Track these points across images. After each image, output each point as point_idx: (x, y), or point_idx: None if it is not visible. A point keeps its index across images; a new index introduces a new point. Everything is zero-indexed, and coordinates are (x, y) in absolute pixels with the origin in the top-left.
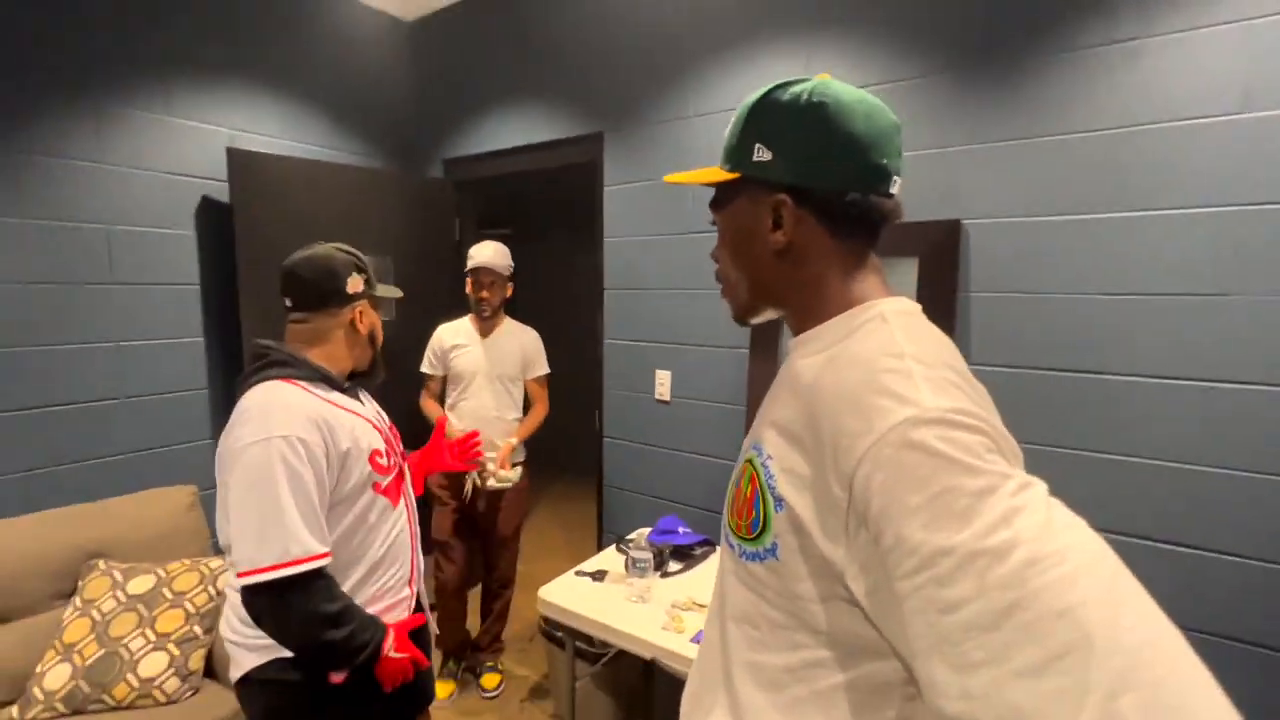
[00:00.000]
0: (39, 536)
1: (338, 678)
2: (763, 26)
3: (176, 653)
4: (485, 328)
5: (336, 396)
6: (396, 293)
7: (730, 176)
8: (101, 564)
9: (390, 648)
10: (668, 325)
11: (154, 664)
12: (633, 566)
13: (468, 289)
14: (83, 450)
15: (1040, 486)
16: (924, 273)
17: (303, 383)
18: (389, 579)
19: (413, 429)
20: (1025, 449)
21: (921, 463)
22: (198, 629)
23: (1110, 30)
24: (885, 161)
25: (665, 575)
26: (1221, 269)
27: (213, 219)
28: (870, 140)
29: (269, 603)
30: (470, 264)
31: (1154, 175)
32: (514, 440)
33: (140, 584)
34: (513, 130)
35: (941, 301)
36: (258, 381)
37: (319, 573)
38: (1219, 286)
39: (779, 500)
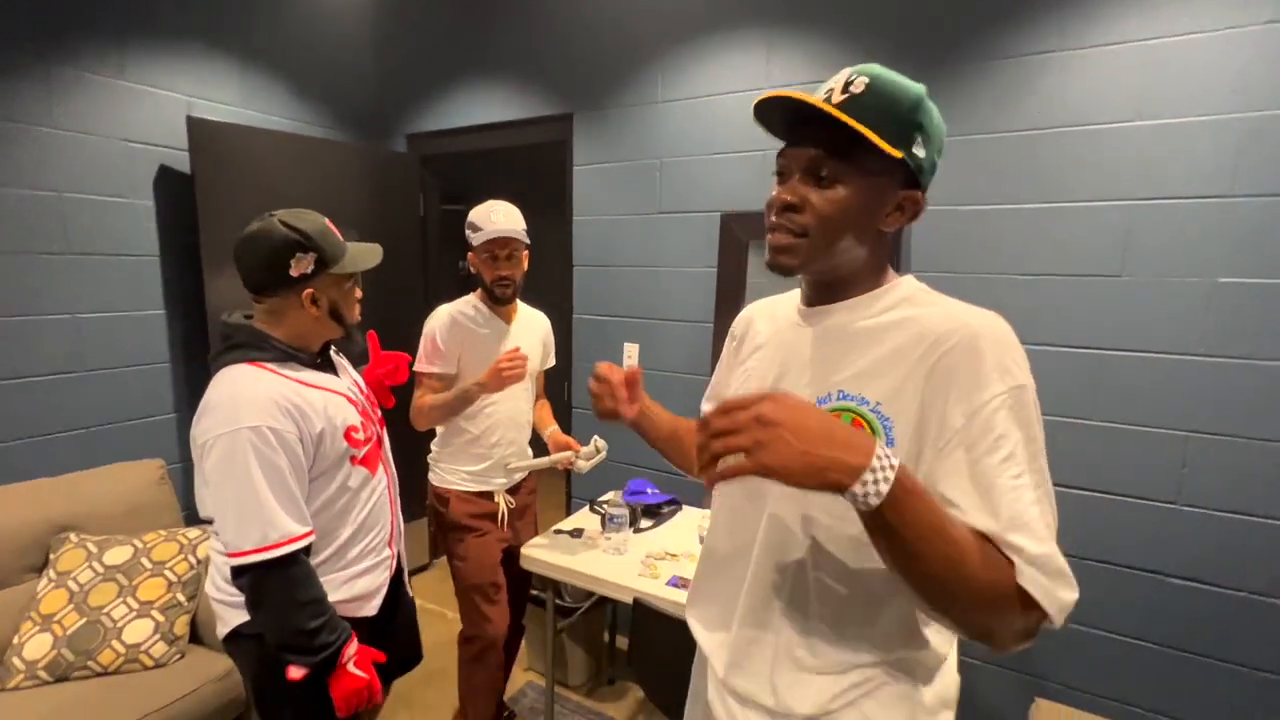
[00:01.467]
0: (3, 510)
1: (296, 674)
2: (725, 16)
3: (161, 619)
4: (507, 312)
5: (307, 374)
6: (367, 263)
7: (891, 151)
8: (73, 536)
9: (351, 659)
10: (636, 300)
11: (139, 630)
12: (610, 522)
13: (474, 267)
14: (42, 424)
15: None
16: None
17: (270, 364)
18: (371, 540)
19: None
20: None
21: (1026, 410)
22: (181, 596)
23: (1031, 42)
24: None
25: (638, 531)
26: (1116, 253)
27: (172, 189)
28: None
29: (250, 583)
30: (485, 234)
31: (1064, 172)
32: (562, 437)
33: (117, 555)
34: (481, 107)
35: None
36: (224, 364)
37: (297, 557)
38: (1114, 269)
39: (890, 438)
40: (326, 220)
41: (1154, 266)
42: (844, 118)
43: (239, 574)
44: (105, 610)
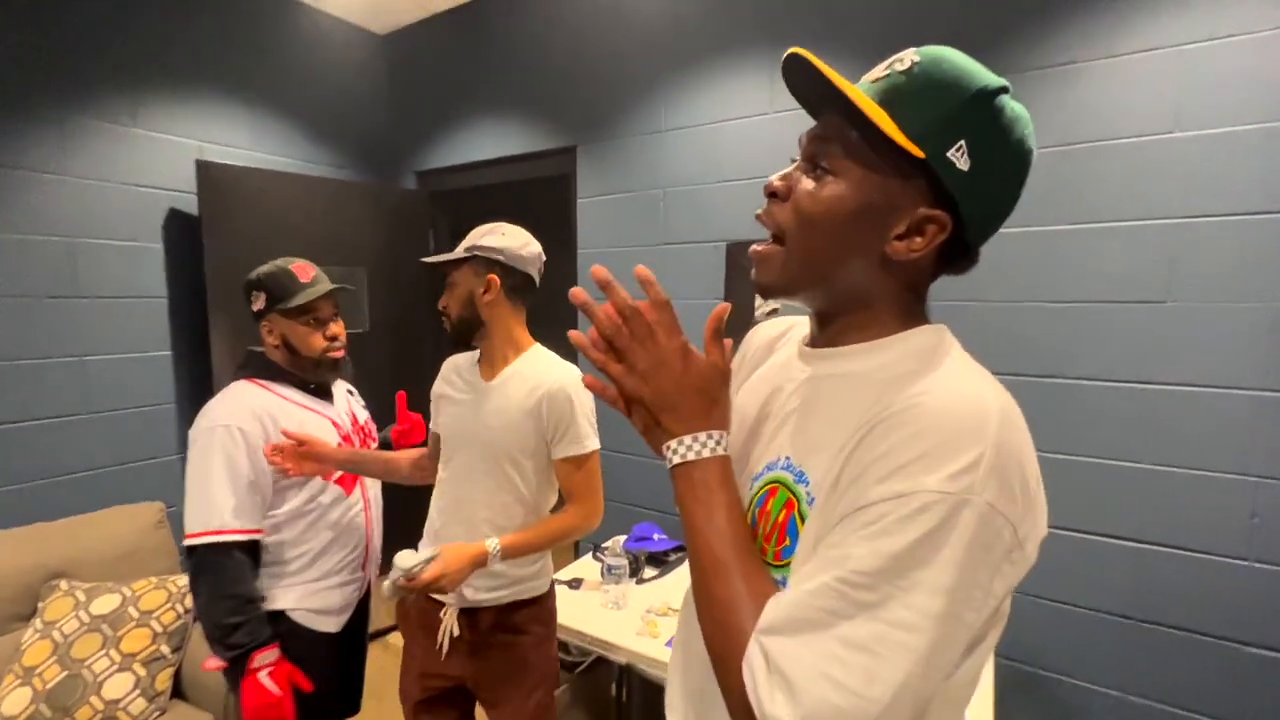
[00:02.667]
0: None
1: (211, 664)
2: (727, 41)
3: (143, 673)
4: (490, 367)
5: (294, 394)
6: (308, 295)
7: (907, 145)
8: (64, 584)
9: (266, 669)
10: None
11: (119, 685)
12: (608, 573)
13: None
14: (44, 468)
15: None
16: None
17: (263, 380)
18: (345, 557)
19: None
20: None
21: (959, 528)
22: (165, 648)
23: (1053, 53)
24: None
25: (641, 581)
26: (1158, 277)
27: (181, 232)
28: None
29: (191, 565)
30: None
31: (1097, 190)
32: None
33: (104, 603)
34: (486, 143)
35: None
36: (232, 380)
37: (232, 552)
38: (1156, 294)
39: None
40: (293, 265)
41: (1203, 291)
42: (835, 79)
43: (188, 555)
44: (87, 663)
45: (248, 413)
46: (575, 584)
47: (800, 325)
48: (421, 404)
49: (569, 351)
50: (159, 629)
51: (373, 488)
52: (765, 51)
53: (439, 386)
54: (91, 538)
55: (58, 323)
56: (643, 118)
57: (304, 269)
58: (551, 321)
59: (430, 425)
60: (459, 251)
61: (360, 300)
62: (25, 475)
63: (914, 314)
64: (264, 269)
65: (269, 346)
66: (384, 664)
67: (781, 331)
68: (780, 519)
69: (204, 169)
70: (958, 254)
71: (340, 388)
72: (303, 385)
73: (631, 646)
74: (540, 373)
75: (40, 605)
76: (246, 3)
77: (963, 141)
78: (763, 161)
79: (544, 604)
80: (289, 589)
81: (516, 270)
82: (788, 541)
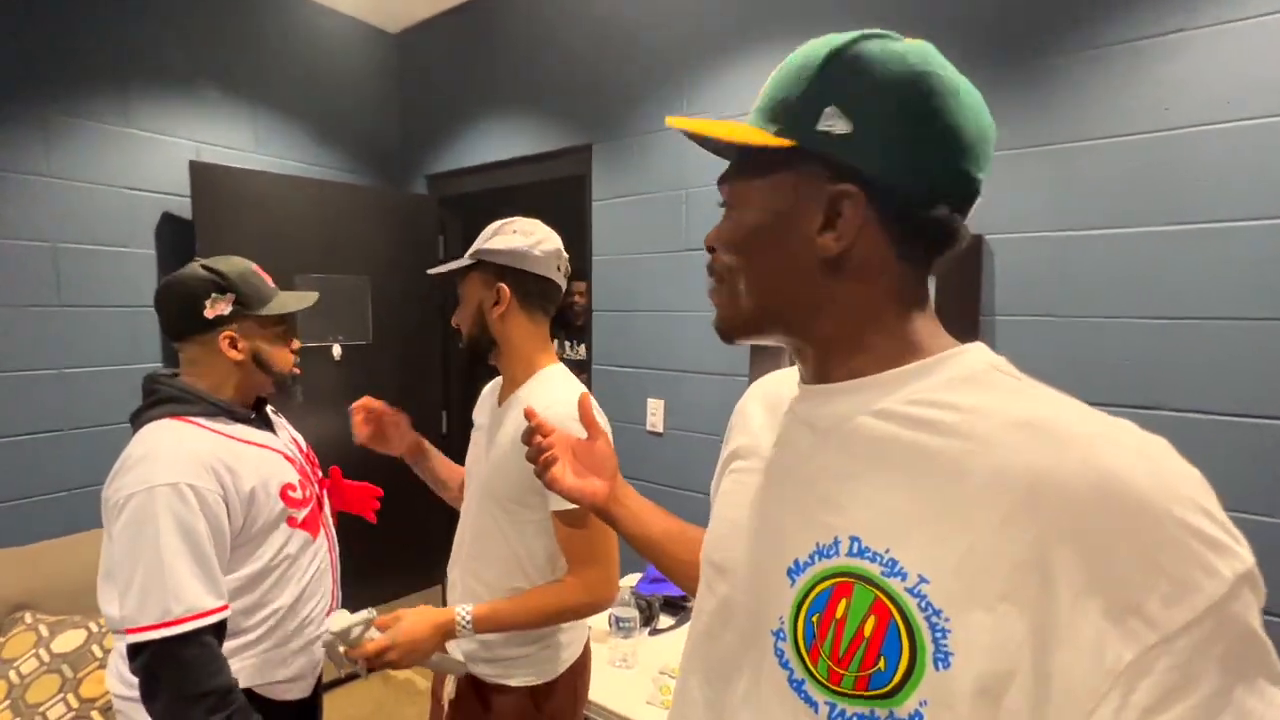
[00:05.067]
0: None
1: None
2: (756, 30)
3: None
4: (508, 384)
5: (240, 429)
6: (294, 306)
7: (778, 143)
8: (28, 616)
9: None
10: (661, 350)
11: None
12: (616, 626)
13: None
14: (18, 488)
15: None
16: (941, 293)
17: (197, 419)
18: (311, 610)
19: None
20: None
21: (1251, 644)
22: None
23: (1148, 23)
24: (980, 176)
25: (654, 632)
26: None
27: (175, 236)
28: (973, 141)
29: (144, 665)
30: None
31: (1202, 183)
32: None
33: (68, 640)
34: (498, 144)
35: (962, 325)
36: (147, 421)
37: (200, 638)
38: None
39: (945, 653)
40: (254, 266)
41: None
42: (688, 124)
43: (134, 654)
44: (42, 709)
45: (195, 463)
46: None
47: (778, 379)
48: (430, 422)
49: (581, 367)
50: None
51: (332, 528)
52: (795, 40)
53: (477, 413)
54: (62, 565)
55: (37, 332)
56: (663, 112)
57: (264, 273)
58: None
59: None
60: (465, 260)
61: (364, 311)
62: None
63: (920, 320)
64: (222, 266)
65: (221, 363)
66: (381, 699)
67: (748, 400)
68: (866, 629)
69: (198, 170)
70: (917, 226)
71: (270, 412)
72: (244, 418)
73: (638, 717)
74: (536, 397)
75: (1, 640)
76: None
77: (830, 107)
78: None
79: (544, 697)
80: (250, 661)
81: (529, 274)
82: (880, 665)
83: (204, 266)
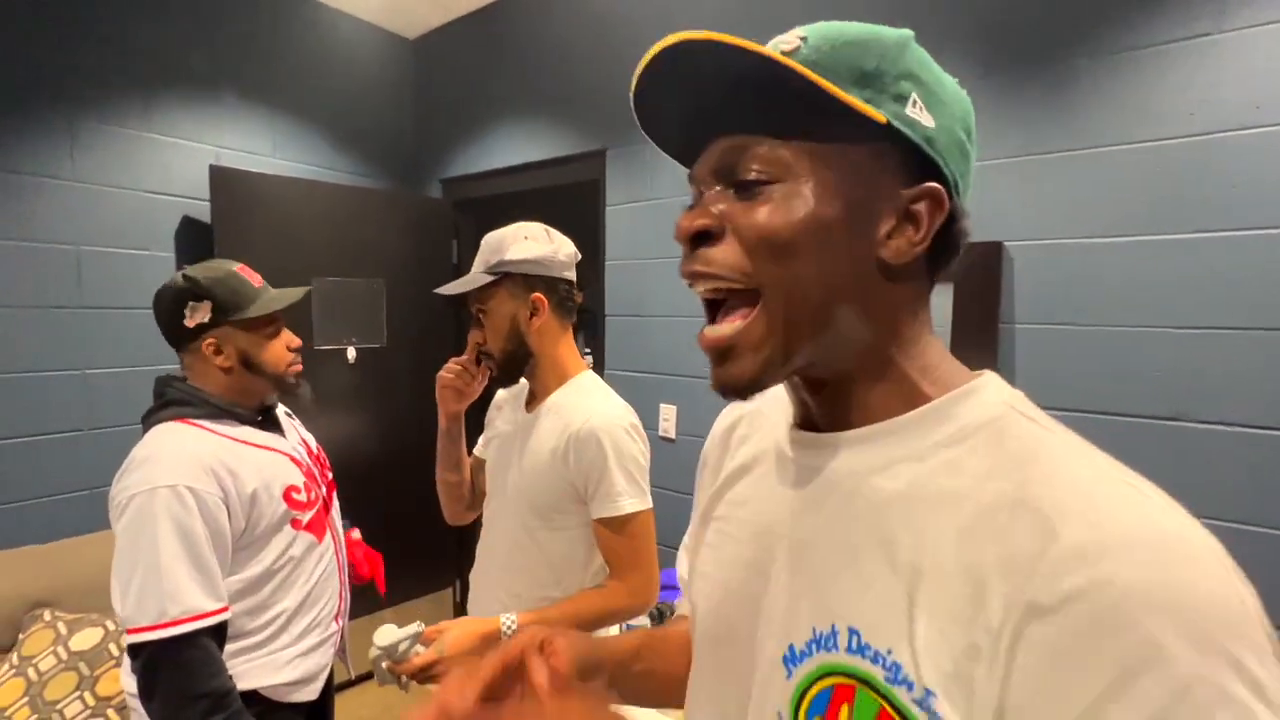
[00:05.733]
0: None
1: None
2: (771, 33)
3: (116, 719)
4: (535, 396)
5: (243, 432)
6: (278, 304)
7: (871, 112)
8: (46, 614)
9: None
10: (674, 355)
11: None
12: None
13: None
14: (40, 486)
15: None
16: (961, 301)
17: (203, 421)
18: (318, 614)
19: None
20: None
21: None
22: None
23: (1174, 26)
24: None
25: None
26: None
27: (194, 240)
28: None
29: (143, 665)
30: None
31: (1228, 190)
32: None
33: (85, 638)
34: (513, 148)
35: (982, 334)
36: (154, 423)
37: (197, 640)
38: None
39: None
40: (238, 268)
41: None
42: (759, 49)
43: (134, 654)
44: (59, 706)
45: (196, 466)
46: None
47: (766, 408)
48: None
49: (594, 372)
50: None
51: (340, 531)
52: None
53: (490, 411)
54: (83, 563)
55: (59, 334)
56: None
57: (250, 273)
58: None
59: (476, 450)
60: (484, 275)
61: (378, 314)
62: (18, 494)
63: (937, 346)
64: (198, 274)
65: (213, 370)
66: (391, 702)
67: (732, 422)
68: None
69: (218, 175)
70: (955, 236)
71: (282, 413)
72: (249, 420)
73: None
74: (574, 407)
75: (21, 637)
76: (269, 5)
77: (913, 91)
78: None
79: None
80: (258, 664)
81: (560, 281)
82: None
83: (183, 276)
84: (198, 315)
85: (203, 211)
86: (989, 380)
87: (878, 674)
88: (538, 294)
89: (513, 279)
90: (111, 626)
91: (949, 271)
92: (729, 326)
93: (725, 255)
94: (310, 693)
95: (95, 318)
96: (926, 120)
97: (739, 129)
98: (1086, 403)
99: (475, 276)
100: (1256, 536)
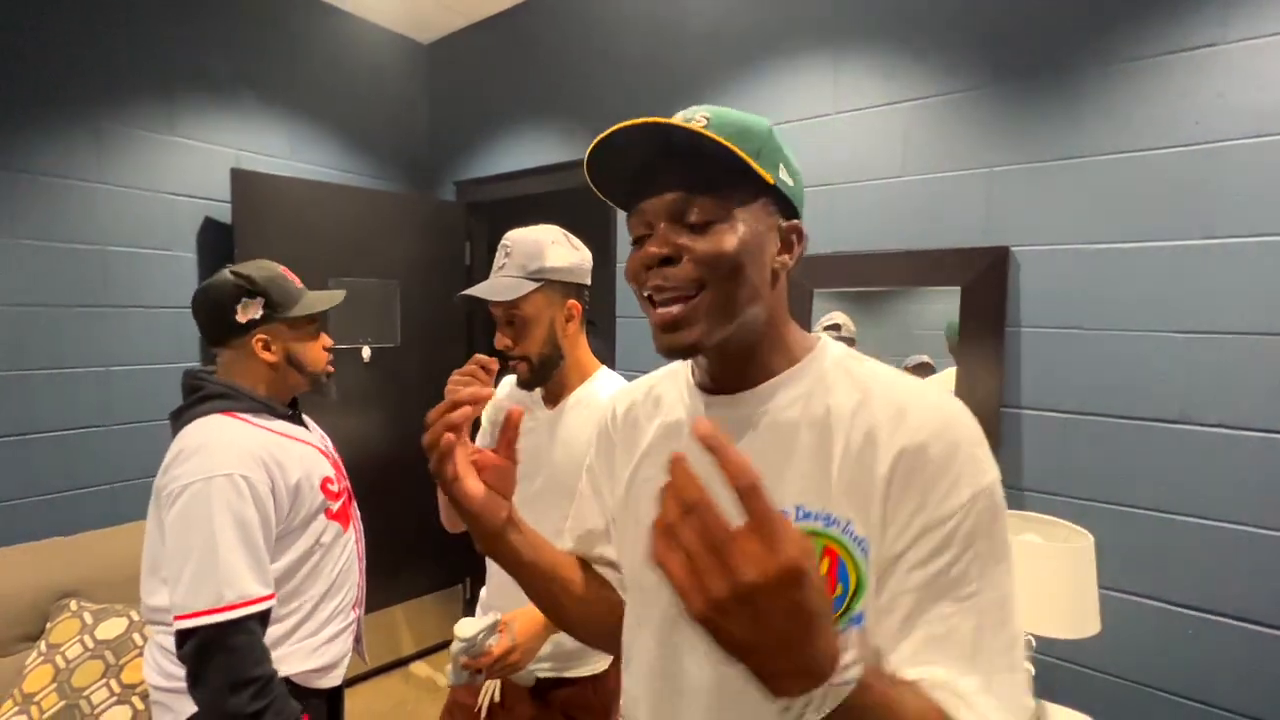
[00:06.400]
0: (7, 573)
1: None
2: (784, 40)
3: (141, 707)
4: (553, 394)
5: (281, 425)
6: (322, 306)
7: (762, 174)
8: (73, 604)
9: None
10: None
11: (116, 718)
12: None
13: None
14: (67, 480)
15: None
16: (968, 304)
17: (244, 415)
18: (340, 601)
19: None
20: (1087, 505)
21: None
22: None
23: (1180, 37)
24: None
25: None
26: None
27: (215, 240)
28: None
29: (194, 650)
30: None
31: (1232, 197)
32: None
33: (111, 627)
34: (526, 152)
35: (988, 336)
36: (196, 416)
37: (248, 625)
38: None
39: (870, 564)
40: (282, 269)
41: None
42: (714, 136)
43: (184, 639)
44: (86, 693)
45: (249, 457)
46: None
47: (645, 387)
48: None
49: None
50: None
51: (360, 521)
52: (827, 50)
53: (490, 412)
54: (107, 554)
55: (85, 332)
56: None
57: (292, 274)
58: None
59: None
60: (527, 280)
61: (393, 314)
62: (45, 487)
63: (794, 325)
64: (251, 271)
65: (257, 365)
66: (403, 696)
67: (628, 406)
68: (823, 569)
69: (239, 177)
70: (802, 254)
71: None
72: (284, 414)
73: None
74: (604, 395)
75: (48, 625)
76: (288, 11)
77: (782, 164)
78: (828, 166)
79: (599, 686)
80: (290, 650)
81: (586, 288)
82: (839, 590)
83: (233, 273)
84: (250, 311)
85: (223, 213)
86: (827, 341)
87: (818, 525)
88: (573, 301)
89: (551, 285)
90: (135, 617)
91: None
92: (677, 308)
93: (683, 272)
94: (334, 679)
95: (119, 316)
96: (789, 180)
97: (679, 187)
98: (1091, 405)
99: (517, 282)
100: (1259, 539)
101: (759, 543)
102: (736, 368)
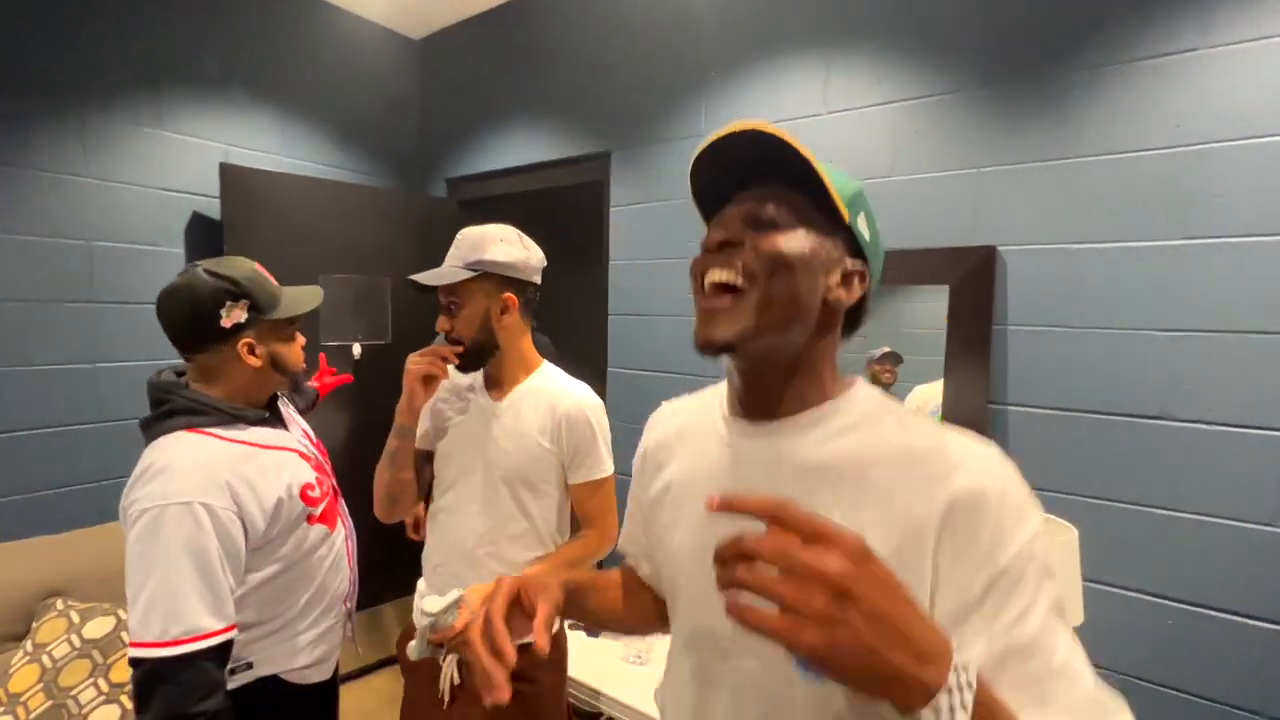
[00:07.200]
0: None
1: None
2: (778, 40)
3: (130, 706)
4: (497, 384)
5: (255, 434)
6: (306, 305)
7: (842, 209)
8: (59, 603)
9: None
10: (676, 355)
11: (104, 718)
12: None
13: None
14: (52, 477)
15: None
16: (955, 303)
17: (214, 430)
18: (330, 599)
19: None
20: (1071, 500)
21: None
22: None
23: (1162, 42)
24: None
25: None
26: None
27: (203, 236)
28: None
29: (139, 679)
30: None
31: (1213, 198)
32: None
33: (98, 626)
34: (518, 149)
35: (975, 335)
36: (161, 432)
37: (195, 662)
38: None
39: None
40: (256, 265)
41: None
42: (806, 152)
43: (134, 665)
44: (73, 692)
45: (209, 481)
46: (594, 631)
47: (684, 409)
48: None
49: (597, 370)
50: None
51: (348, 516)
52: (818, 50)
53: (434, 404)
54: (94, 553)
55: (73, 328)
56: (682, 121)
57: (266, 271)
58: (574, 336)
59: (417, 444)
60: (462, 270)
61: (384, 311)
62: (32, 485)
63: (836, 369)
64: (229, 271)
65: (240, 370)
66: (394, 693)
67: (665, 426)
68: None
69: (227, 172)
70: (858, 313)
71: (280, 404)
72: (257, 420)
73: (652, 712)
74: (556, 393)
75: (34, 625)
76: (278, 4)
77: (861, 211)
78: None
79: (554, 646)
80: (278, 649)
81: (528, 284)
82: None
83: (209, 272)
84: (235, 315)
85: (212, 208)
86: (863, 384)
87: None
88: (509, 294)
89: (489, 277)
90: (123, 615)
91: (851, 334)
92: (721, 301)
93: (739, 255)
94: (324, 672)
95: (106, 312)
96: (865, 232)
97: (769, 194)
98: (1075, 402)
99: (453, 270)
100: (1236, 531)
101: (817, 542)
102: (768, 391)
